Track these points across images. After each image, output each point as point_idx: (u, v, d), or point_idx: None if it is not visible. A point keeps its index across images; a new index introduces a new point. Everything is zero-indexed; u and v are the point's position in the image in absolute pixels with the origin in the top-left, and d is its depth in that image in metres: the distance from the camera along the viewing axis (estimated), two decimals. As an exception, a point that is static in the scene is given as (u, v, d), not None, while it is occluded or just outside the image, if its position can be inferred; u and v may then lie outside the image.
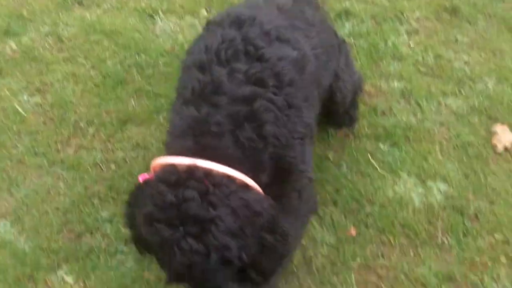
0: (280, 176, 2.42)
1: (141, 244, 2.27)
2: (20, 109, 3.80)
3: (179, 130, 2.32)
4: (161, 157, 2.27)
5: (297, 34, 2.60)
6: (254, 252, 2.13)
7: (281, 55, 2.41)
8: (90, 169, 3.46)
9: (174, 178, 2.10)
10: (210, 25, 2.62)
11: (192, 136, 2.25)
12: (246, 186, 2.18)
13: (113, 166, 3.48)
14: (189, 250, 1.99)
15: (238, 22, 2.49)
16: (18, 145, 3.62)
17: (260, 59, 2.36)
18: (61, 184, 3.39)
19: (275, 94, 2.31)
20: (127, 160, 3.50)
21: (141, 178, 2.29)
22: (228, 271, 2.09)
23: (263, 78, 2.31)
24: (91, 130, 3.67)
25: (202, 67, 2.37)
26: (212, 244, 2.00)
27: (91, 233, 3.14)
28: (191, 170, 2.11)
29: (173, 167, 2.16)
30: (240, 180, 2.17)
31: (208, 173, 2.11)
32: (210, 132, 2.22)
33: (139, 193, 2.22)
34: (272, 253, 2.23)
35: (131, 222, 2.28)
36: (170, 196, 2.04)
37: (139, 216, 2.14)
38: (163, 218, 2.04)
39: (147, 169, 3.33)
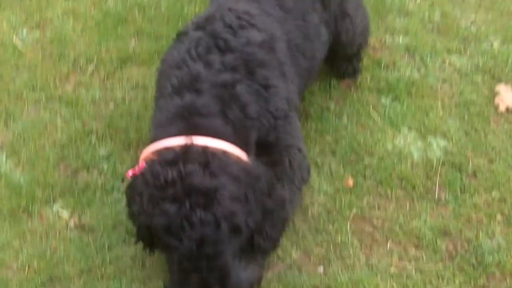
0: (270, 151, 2.51)
1: (146, 239, 2.27)
2: (19, 44, 3.74)
3: (165, 119, 2.35)
4: (150, 145, 2.29)
5: (265, 18, 2.68)
6: (257, 218, 2.18)
7: (246, 41, 2.50)
8: (88, 106, 3.43)
9: (171, 156, 2.13)
10: (178, 36, 2.67)
11: (181, 120, 2.29)
12: (241, 159, 2.24)
13: (111, 105, 3.45)
14: (199, 222, 2.01)
15: (201, 24, 2.58)
16: (16, 79, 3.57)
17: (230, 49, 2.44)
18: (59, 120, 3.36)
19: (249, 79, 2.42)
20: (126, 99, 3.46)
21: (130, 173, 2.30)
22: (237, 241, 2.13)
23: (236, 65, 2.41)
24: (90, 67, 3.63)
25: (178, 66, 2.44)
26: (221, 213, 2.04)
27: (88, 169, 3.12)
28: (188, 147, 2.15)
29: (168, 148, 2.19)
30: (234, 154, 2.22)
31: (204, 148, 2.15)
32: (199, 113, 2.28)
33: (134, 186, 2.23)
34: (273, 217, 2.29)
35: (134, 219, 2.29)
36: (171, 172, 2.07)
37: (140, 206, 2.15)
38: (167, 196, 2.06)
39: (146, 109, 3.34)
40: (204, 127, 2.26)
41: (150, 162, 2.19)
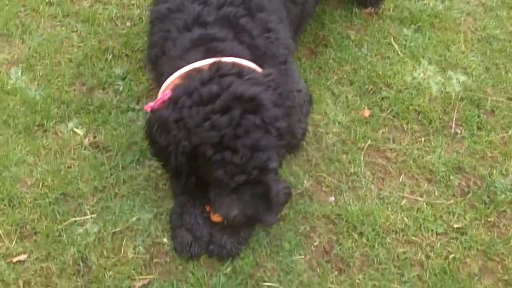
0: None
1: (179, 169, 2.25)
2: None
3: (181, 52, 2.35)
4: (172, 75, 2.29)
5: None
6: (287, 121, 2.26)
7: None
8: (104, 24, 3.38)
9: (206, 74, 2.16)
10: None
11: (199, 47, 2.32)
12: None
13: (128, 23, 3.40)
14: (252, 127, 2.07)
15: None
16: (33, -8, 3.51)
17: None
18: (75, 36, 3.32)
19: (251, 18, 2.44)
20: (143, 18, 3.41)
21: (148, 107, 2.29)
22: (281, 146, 2.22)
23: (235, 2, 2.43)
24: (107, -17, 3.56)
25: (178, 9, 2.45)
26: (268, 117, 2.10)
27: (103, 88, 3.10)
28: (218, 63, 2.19)
29: (196, 70, 2.21)
30: (257, 69, 2.29)
31: (234, 63, 2.21)
32: (215, 39, 2.33)
33: (161, 118, 2.20)
34: (296, 116, 2.43)
35: (163, 152, 2.26)
36: (212, 87, 2.10)
37: (180, 132, 2.12)
38: (215, 108, 2.08)
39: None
40: (223, 49, 2.31)
41: (184, 85, 2.18)
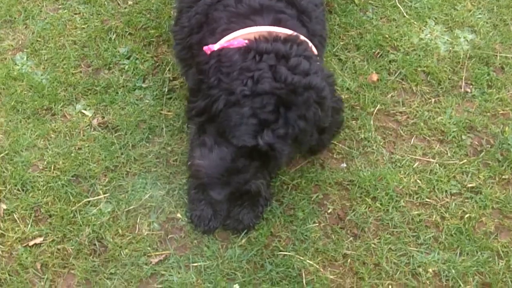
0: None
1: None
2: None
3: (250, 9, 2.37)
4: (242, 30, 2.29)
5: None
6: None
7: None
8: (106, 4, 3.36)
9: (292, 48, 2.18)
10: None
11: (269, 13, 2.36)
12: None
13: (130, 1, 3.38)
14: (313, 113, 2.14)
15: None
16: (33, -24, 3.49)
17: None
18: (78, 18, 3.31)
19: (309, 4, 2.53)
20: (145, -5, 3.39)
21: (209, 49, 2.26)
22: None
23: None
24: (107, -37, 3.53)
25: None
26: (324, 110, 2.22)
27: (109, 68, 3.10)
28: (299, 41, 2.25)
29: (275, 34, 2.23)
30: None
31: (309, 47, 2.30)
32: (283, 12, 2.39)
33: (231, 60, 2.17)
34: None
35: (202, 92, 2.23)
36: (304, 63, 2.15)
37: (241, 82, 2.10)
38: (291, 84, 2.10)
39: (165, 4, 3.28)
40: (290, 26, 2.33)
41: (269, 45, 2.17)
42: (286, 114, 2.07)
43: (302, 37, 2.27)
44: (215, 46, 2.26)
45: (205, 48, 2.29)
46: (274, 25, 2.29)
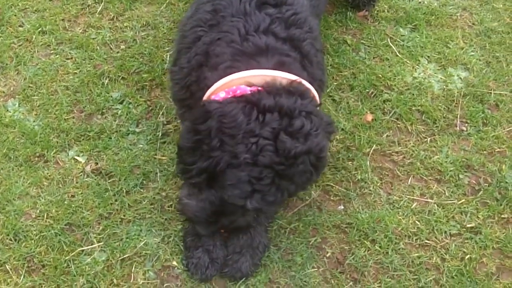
0: None
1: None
2: (24, -15, 3.64)
3: (255, 48, 2.30)
4: (245, 71, 2.21)
5: None
6: None
7: None
8: (99, 48, 3.35)
9: (296, 102, 2.10)
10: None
11: (274, 55, 2.28)
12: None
13: (122, 46, 3.37)
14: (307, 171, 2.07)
15: None
16: (25, 23, 3.48)
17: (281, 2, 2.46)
18: (70, 63, 3.29)
19: (311, 49, 2.44)
20: (137, 39, 3.38)
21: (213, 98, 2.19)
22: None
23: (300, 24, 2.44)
24: (99, 7, 3.53)
25: (240, 15, 2.40)
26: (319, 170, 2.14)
27: (102, 113, 3.07)
28: (302, 90, 2.17)
29: (277, 81, 2.16)
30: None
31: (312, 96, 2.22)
32: (288, 55, 2.30)
33: (232, 111, 2.08)
34: None
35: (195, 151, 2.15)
36: (307, 123, 2.06)
37: (244, 147, 2.02)
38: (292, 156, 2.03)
39: (158, 48, 3.27)
40: (293, 70, 2.25)
41: (272, 100, 2.08)
42: (280, 182, 2.02)
43: (304, 83, 2.19)
44: (220, 95, 2.19)
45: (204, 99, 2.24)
46: (277, 69, 2.22)
